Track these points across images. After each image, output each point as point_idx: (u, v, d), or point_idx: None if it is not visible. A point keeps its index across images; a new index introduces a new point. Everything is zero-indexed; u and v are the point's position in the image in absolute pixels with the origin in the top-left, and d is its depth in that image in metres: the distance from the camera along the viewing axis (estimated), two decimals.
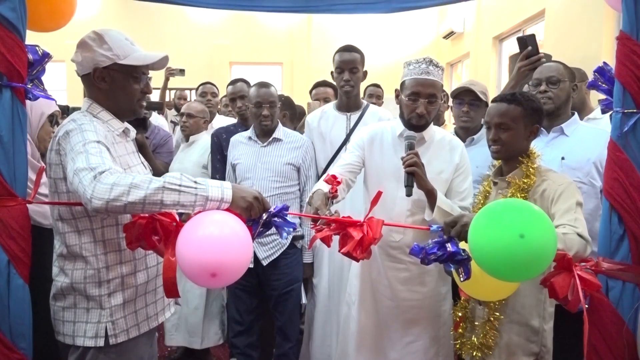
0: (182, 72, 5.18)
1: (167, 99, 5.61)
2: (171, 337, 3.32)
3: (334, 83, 3.71)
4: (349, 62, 2.73)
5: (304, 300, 2.78)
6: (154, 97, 5.55)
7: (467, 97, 2.69)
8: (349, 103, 2.82)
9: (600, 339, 1.60)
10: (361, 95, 3.06)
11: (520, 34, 7.22)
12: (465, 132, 2.71)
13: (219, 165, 3.12)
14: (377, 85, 4.24)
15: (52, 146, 1.59)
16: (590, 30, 5.07)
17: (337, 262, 2.73)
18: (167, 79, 4.97)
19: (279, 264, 2.69)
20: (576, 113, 2.37)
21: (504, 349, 1.90)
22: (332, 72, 2.82)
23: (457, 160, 2.19)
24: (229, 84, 3.44)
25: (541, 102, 2.05)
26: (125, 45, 1.66)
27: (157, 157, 3.33)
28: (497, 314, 1.89)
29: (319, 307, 2.84)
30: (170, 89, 9.43)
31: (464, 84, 2.74)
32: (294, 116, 3.55)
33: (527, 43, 2.48)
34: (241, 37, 10.23)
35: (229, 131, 3.20)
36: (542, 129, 2.33)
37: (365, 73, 2.81)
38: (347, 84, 2.74)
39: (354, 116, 2.81)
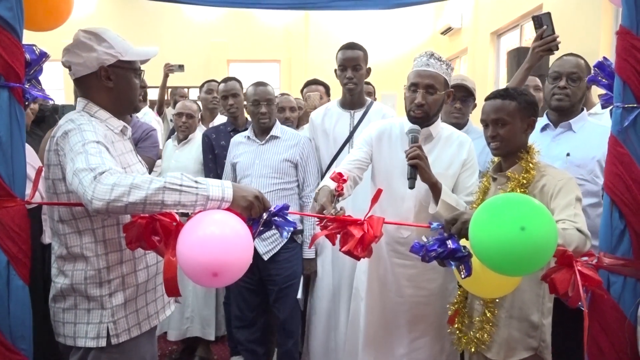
0: (181, 67, 5.07)
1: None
2: (187, 329, 3.41)
3: (324, 81, 3.73)
4: (352, 60, 2.73)
5: (299, 295, 2.78)
6: (151, 95, 5.52)
7: (459, 92, 2.68)
8: (352, 100, 2.83)
9: (602, 334, 1.60)
10: None
11: (517, 30, 7.23)
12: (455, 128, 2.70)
13: (211, 165, 3.18)
14: (367, 83, 4.21)
15: (50, 147, 1.58)
16: (587, 25, 5.08)
17: (341, 257, 2.73)
18: (166, 76, 4.87)
19: (278, 258, 2.71)
20: (585, 109, 2.33)
21: (504, 344, 1.90)
22: (335, 70, 2.82)
23: (464, 155, 2.19)
24: (221, 82, 3.42)
25: (534, 96, 2.03)
26: (122, 42, 1.67)
27: (139, 153, 3.24)
28: (492, 306, 1.90)
29: (322, 302, 2.85)
30: (168, 87, 9.37)
31: (455, 80, 2.71)
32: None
33: (542, 22, 2.36)
34: (239, 34, 10.22)
35: (219, 130, 3.23)
36: (549, 123, 2.32)
37: (368, 70, 2.81)
38: (350, 82, 2.75)
39: (358, 113, 2.82)
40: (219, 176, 3.07)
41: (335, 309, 2.82)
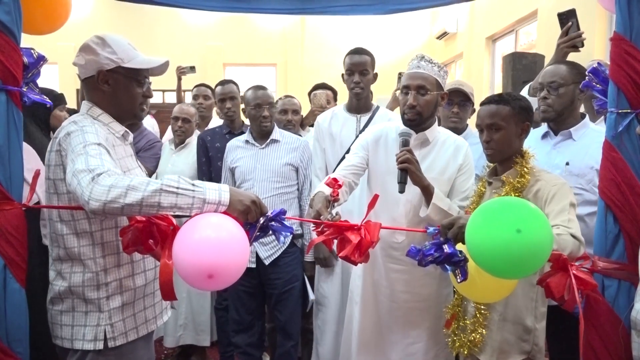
0: (193, 69, 5.03)
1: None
2: (180, 336, 3.39)
3: (330, 85, 3.75)
4: (359, 65, 2.75)
5: (311, 296, 2.79)
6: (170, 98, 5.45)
7: (456, 97, 2.69)
8: (359, 105, 2.84)
9: (597, 337, 1.62)
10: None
11: (513, 35, 7.26)
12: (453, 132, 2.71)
13: (204, 168, 3.17)
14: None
15: (52, 147, 1.59)
16: (582, 30, 5.10)
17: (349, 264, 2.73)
18: (179, 79, 4.87)
19: (279, 262, 2.72)
20: (587, 116, 2.31)
21: (497, 347, 1.91)
22: (342, 75, 2.84)
23: (460, 160, 2.19)
24: (218, 85, 3.39)
25: (528, 101, 2.04)
26: (129, 49, 1.67)
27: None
28: (484, 309, 1.90)
29: (331, 308, 2.84)
30: (164, 91, 9.37)
31: (453, 85, 2.72)
32: None
33: (568, 19, 2.37)
34: (235, 38, 10.23)
35: (214, 133, 3.23)
36: (549, 131, 2.32)
37: (375, 75, 2.83)
38: (357, 86, 2.76)
39: (364, 118, 2.83)
40: (212, 179, 3.06)
41: (344, 316, 2.81)
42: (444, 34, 9.36)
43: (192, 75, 5.09)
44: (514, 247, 1.34)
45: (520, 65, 4.49)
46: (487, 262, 1.42)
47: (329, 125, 2.87)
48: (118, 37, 1.68)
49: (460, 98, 2.70)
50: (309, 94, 3.80)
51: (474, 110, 2.85)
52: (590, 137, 2.23)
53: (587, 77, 1.81)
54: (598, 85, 1.77)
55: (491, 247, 1.38)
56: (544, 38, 5.90)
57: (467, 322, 1.96)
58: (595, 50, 4.86)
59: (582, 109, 2.93)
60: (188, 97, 5.08)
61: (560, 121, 2.26)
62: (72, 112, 2.81)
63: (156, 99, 9.48)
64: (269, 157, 2.78)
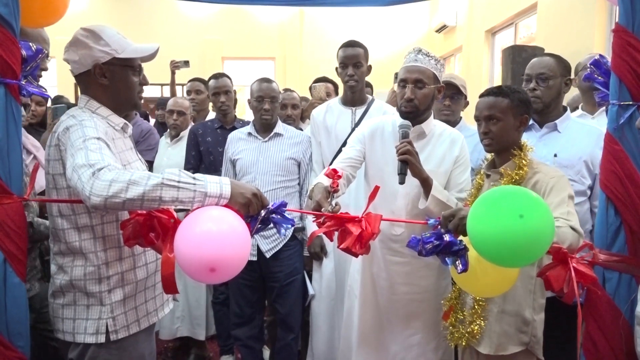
0: (186, 63, 5.02)
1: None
2: (177, 328, 3.40)
3: (331, 78, 3.73)
4: (353, 57, 2.74)
5: (311, 291, 2.79)
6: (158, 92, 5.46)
7: (448, 90, 2.69)
8: (353, 98, 2.83)
9: (597, 330, 1.62)
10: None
11: (512, 28, 7.26)
12: None
13: (193, 161, 3.17)
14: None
15: (51, 142, 1.58)
16: (582, 23, 5.10)
17: (343, 256, 2.74)
18: (173, 73, 4.86)
19: (280, 255, 2.73)
20: (568, 109, 2.35)
21: (495, 338, 1.92)
22: (336, 68, 2.83)
23: (456, 152, 2.20)
24: (211, 78, 3.38)
25: (527, 94, 2.05)
26: (120, 39, 1.66)
27: None
28: (482, 300, 1.91)
29: (325, 300, 2.85)
30: (163, 85, 9.34)
31: (444, 78, 2.73)
32: None
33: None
34: (233, 32, 10.20)
35: (206, 126, 3.23)
36: (534, 123, 2.34)
37: (369, 67, 2.82)
38: (351, 79, 2.75)
39: (359, 110, 2.83)
40: (201, 172, 3.05)
41: (338, 309, 2.82)
42: (443, 27, 9.33)
43: (191, 69, 5.08)
44: (516, 232, 1.34)
45: (520, 59, 4.48)
46: (489, 249, 1.41)
47: (323, 118, 2.87)
48: (106, 27, 1.67)
49: (452, 91, 2.70)
50: (310, 87, 3.79)
51: (467, 103, 2.86)
52: (574, 128, 2.28)
53: (588, 69, 1.80)
54: (600, 77, 1.76)
55: (494, 234, 1.38)
56: (544, 31, 5.89)
57: (465, 313, 1.97)
58: (594, 43, 4.85)
59: (580, 103, 2.95)
60: (183, 91, 5.06)
61: (546, 113, 2.30)
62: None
63: (154, 92, 9.47)
64: (271, 151, 2.78)
